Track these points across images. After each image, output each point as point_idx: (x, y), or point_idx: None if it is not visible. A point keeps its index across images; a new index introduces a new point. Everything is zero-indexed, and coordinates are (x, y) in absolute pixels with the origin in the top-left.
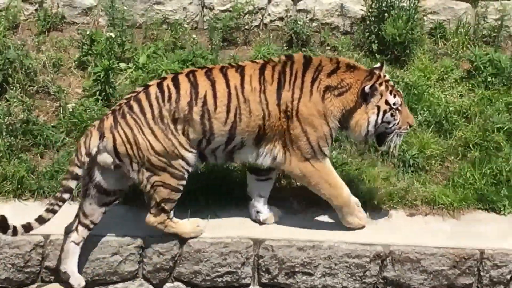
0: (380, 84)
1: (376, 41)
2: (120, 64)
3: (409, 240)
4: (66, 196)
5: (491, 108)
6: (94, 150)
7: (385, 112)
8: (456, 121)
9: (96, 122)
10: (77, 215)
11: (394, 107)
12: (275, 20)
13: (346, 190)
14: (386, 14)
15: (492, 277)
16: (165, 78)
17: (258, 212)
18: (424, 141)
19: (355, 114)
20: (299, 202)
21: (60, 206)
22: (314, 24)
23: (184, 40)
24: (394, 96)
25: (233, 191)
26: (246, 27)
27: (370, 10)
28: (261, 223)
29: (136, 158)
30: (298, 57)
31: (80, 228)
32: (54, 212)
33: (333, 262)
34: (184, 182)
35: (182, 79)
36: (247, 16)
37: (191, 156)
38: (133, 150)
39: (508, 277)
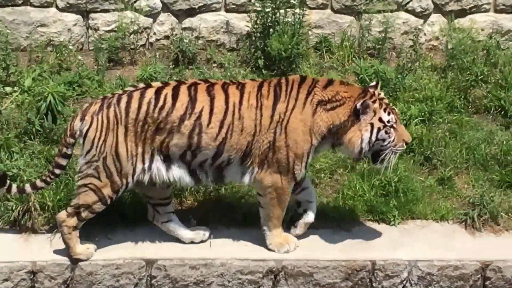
0: (374, 102)
1: (262, 57)
2: (5, 88)
3: (301, 254)
4: (57, 171)
5: None
6: (77, 133)
7: (379, 129)
8: None
9: (85, 105)
10: (147, 202)
11: (389, 124)
12: (161, 39)
13: (283, 215)
14: (271, 30)
15: (384, 287)
16: (167, 85)
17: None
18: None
19: (349, 131)
20: (195, 218)
21: (52, 179)
22: (200, 41)
23: (70, 61)
24: (389, 114)
25: (125, 214)
26: (132, 46)
27: (255, 26)
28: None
29: (95, 150)
30: (295, 76)
31: (159, 208)
32: (47, 183)
33: (226, 279)
34: (114, 198)
35: (183, 91)
36: (132, 35)
37: (139, 169)
38: (99, 142)
39: (400, 286)
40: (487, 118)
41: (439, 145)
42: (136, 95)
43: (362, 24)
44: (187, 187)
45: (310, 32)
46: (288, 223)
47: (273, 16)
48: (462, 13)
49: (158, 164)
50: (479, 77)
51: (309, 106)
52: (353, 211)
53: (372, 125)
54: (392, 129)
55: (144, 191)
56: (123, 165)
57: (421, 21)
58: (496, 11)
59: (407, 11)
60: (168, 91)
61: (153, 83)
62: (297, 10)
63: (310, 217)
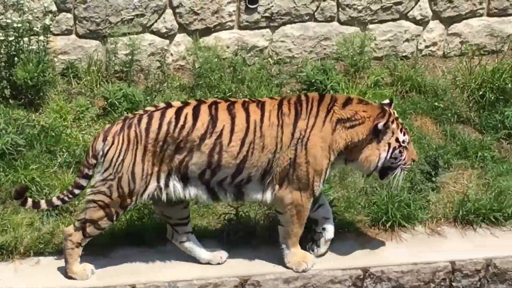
0: (392, 122)
1: (8, 86)
2: None
3: None
4: (76, 191)
5: None
6: (100, 153)
7: (394, 149)
8: None
9: (107, 126)
10: (166, 222)
11: (403, 144)
12: None
13: (301, 233)
14: (16, 58)
15: None
16: (187, 104)
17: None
18: (66, 182)
19: (365, 149)
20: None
21: (70, 198)
22: None
23: None
24: (404, 134)
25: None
26: None
27: (0, 55)
28: (325, 241)
29: (113, 169)
30: (313, 93)
31: (177, 228)
32: (63, 201)
33: None
34: (121, 213)
35: (204, 110)
36: None
37: (152, 188)
38: (117, 161)
39: None
40: None
41: None
42: (157, 115)
43: (108, 48)
44: (205, 204)
45: (56, 59)
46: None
47: (17, 45)
48: (207, 31)
49: (175, 183)
50: (228, 94)
51: (328, 124)
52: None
53: (389, 144)
54: (404, 149)
55: (163, 211)
56: (136, 184)
57: (167, 41)
58: (240, 28)
59: (153, 32)
60: (188, 110)
61: (173, 103)
62: (41, 38)
63: (330, 233)
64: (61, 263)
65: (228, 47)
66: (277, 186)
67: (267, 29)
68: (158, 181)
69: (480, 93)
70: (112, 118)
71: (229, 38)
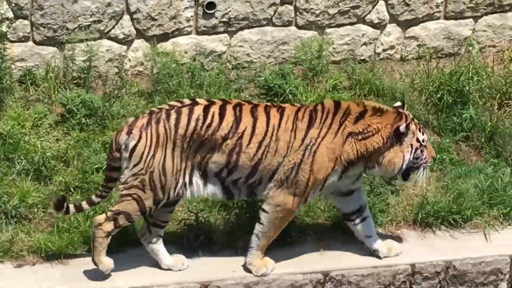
0: (410, 123)
1: None
2: None
3: None
4: (110, 184)
5: (88, 149)
6: (123, 146)
7: (416, 149)
8: (54, 166)
9: (130, 119)
10: (145, 219)
11: (424, 143)
12: None
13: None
14: None
15: None
16: (213, 103)
17: (374, 250)
18: (24, 190)
19: (388, 153)
20: None
21: (107, 193)
22: None
23: None
24: (422, 134)
25: None
26: None
27: None
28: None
29: (143, 164)
30: (329, 100)
31: (152, 228)
32: (102, 197)
33: None
34: (154, 208)
35: (229, 111)
36: None
37: (181, 183)
38: (148, 157)
39: None
40: None
41: None
42: (185, 111)
43: (65, 54)
44: (220, 202)
45: (13, 66)
46: None
47: None
48: (165, 37)
49: (198, 180)
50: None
51: (340, 136)
52: (70, 244)
53: (411, 145)
54: (424, 148)
55: (159, 213)
56: (167, 179)
57: (125, 47)
58: (198, 33)
59: (110, 38)
60: (215, 109)
61: (199, 100)
62: None
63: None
64: (21, 272)
65: (186, 53)
66: (272, 185)
67: (225, 34)
68: (184, 177)
69: (438, 96)
70: (70, 125)
71: (187, 44)
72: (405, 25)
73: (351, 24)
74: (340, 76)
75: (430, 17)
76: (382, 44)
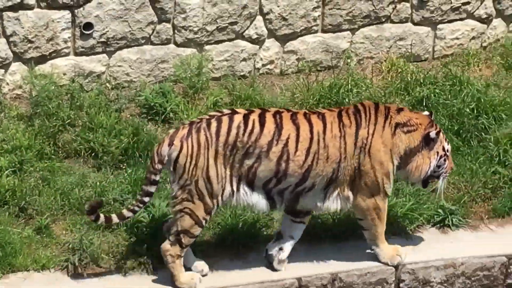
0: (440, 131)
1: None
2: None
3: None
4: (146, 199)
5: None
6: (165, 158)
7: (441, 157)
8: None
9: (171, 131)
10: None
11: (448, 153)
12: None
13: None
14: None
15: None
16: (252, 112)
17: (281, 249)
18: None
19: (416, 157)
20: None
21: (140, 208)
22: None
23: None
24: (448, 143)
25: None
26: None
27: None
28: (279, 261)
29: (188, 174)
30: (367, 101)
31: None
32: (134, 212)
33: None
34: (208, 218)
35: (269, 118)
36: None
37: (227, 192)
38: (191, 166)
39: None
40: (78, 161)
41: (33, 194)
42: (225, 119)
43: None
44: (259, 212)
45: None
46: None
47: None
48: (43, 59)
49: (246, 188)
50: (66, 122)
51: (388, 129)
52: None
53: (437, 153)
54: (447, 157)
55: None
56: (213, 187)
57: (2, 71)
58: (76, 54)
59: None
60: (255, 117)
61: (237, 109)
62: None
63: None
64: None
65: (64, 74)
66: (350, 196)
67: (104, 54)
68: (231, 184)
69: None
70: None
71: (66, 65)
72: (284, 39)
73: (230, 40)
74: (221, 92)
75: (308, 31)
76: (261, 59)
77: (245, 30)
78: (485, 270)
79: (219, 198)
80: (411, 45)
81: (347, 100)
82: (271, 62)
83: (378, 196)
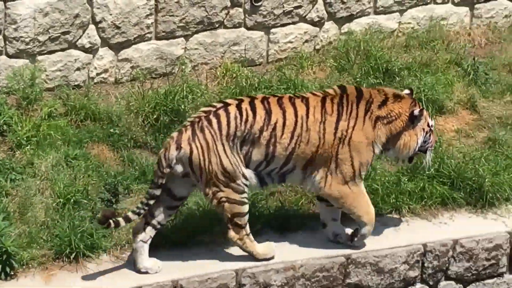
0: (424, 109)
1: None
2: None
3: None
4: (151, 202)
5: None
6: (173, 162)
7: (426, 133)
8: None
9: (174, 134)
10: (144, 216)
11: (432, 128)
12: None
13: (372, 210)
14: None
15: None
16: (242, 101)
17: (336, 234)
18: None
19: (402, 136)
20: None
21: (145, 210)
22: None
23: None
24: (431, 119)
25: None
26: None
27: None
28: (341, 243)
29: (206, 171)
30: (351, 89)
31: (147, 228)
32: (139, 214)
33: None
34: (246, 195)
35: (258, 105)
36: None
37: (248, 172)
38: (205, 164)
39: None
40: None
41: None
42: (222, 113)
43: None
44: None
45: None
46: None
47: None
48: None
49: (249, 173)
50: None
51: (368, 122)
52: None
53: (423, 129)
54: (431, 132)
55: (154, 207)
56: (231, 174)
57: None
58: None
59: None
60: (246, 105)
61: (228, 100)
62: None
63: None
64: None
65: None
66: (322, 181)
67: None
68: (244, 166)
69: (155, 116)
70: None
71: None
72: (118, 47)
73: (63, 50)
74: (55, 103)
75: (141, 39)
76: (95, 68)
77: (78, 40)
78: (325, 271)
79: (242, 179)
80: (245, 50)
81: (182, 106)
82: (106, 71)
83: (352, 181)
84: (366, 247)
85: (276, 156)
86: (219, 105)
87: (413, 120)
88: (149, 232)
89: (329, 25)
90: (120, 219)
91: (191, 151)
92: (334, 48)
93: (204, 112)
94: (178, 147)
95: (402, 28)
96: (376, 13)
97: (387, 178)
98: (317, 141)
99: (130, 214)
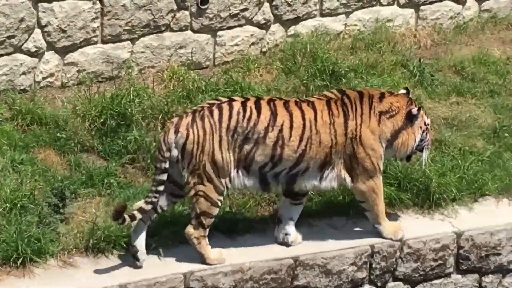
0: (421, 107)
1: None
2: None
3: None
4: (160, 188)
5: None
6: (173, 145)
7: (423, 131)
8: None
9: (175, 119)
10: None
11: (428, 126)
12: None
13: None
14: None
15: None
16: (248, 99)
17: (286, 234)
18: None
19: (401, 134)
20: None
21: (156, 198)
22: None
23: None
24: (427, 118)
25: None
26: None
27: None
28: (288, 245)
29: (195, 160)
30: (349, 91)
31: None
32: (152, 203)
33: None
34: (222, 198)
35: (264, 105)
36: None
37: (234, 175)
38: (197, 152)
39: None
40: None
41: None
42: (225, 106)
43: None
44: (254, 193)
45: None
46: None
47: None
48: None
49: (243, 171)
50: None
51: (374, 118)
52: None
53: (420, 128)
54: (428, 130)
55: (161, 198)
56: (219, 170)
57: None
58: None
59: None
60: (251, 104)
61: (235, 97)
62: None
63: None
64: None
65: None
66: (347, 177)
67: None
68: (234, 168)
69: (101, 120)
70: None
71: None
72: (64, 51)
73: (8, 54)
74: (1, 107)
75: (88, 42)
76: (41, 72)
77: (23, 44)
78: (273, 273)
79: (227, 180)
80: (191, 53)
81: (129, 110)
82: (52, 74)
83: (375, 176)
84: (314, 248)
85: (284, 158)
86: (224, 99)
87: (411, 118)
88: (150, 213)
89: (275, 27)
90: (135, 212)
91: (187, 136)
92: (281, 51)
93: (209, 103)
94: (177, 131)
95: (348, 30)
96: (322, 15)
97: None
98: (329, 143)
99: (143, 205)
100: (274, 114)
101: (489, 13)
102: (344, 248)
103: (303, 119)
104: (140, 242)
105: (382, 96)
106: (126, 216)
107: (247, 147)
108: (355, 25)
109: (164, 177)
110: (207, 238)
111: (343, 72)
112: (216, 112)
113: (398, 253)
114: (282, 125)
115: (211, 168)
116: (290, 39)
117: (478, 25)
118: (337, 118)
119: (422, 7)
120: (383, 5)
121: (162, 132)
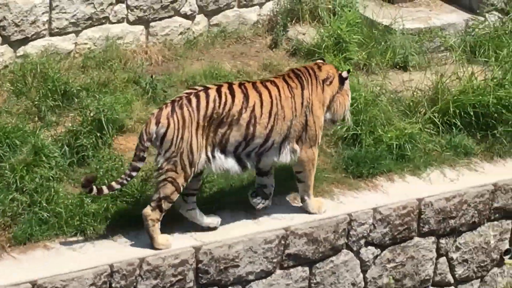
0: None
1: None
2: None
3: None
4: (133, 173)
5: None
6: (154, 136)
7: (349, 94)
8: None
9: (155, 111)
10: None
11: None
12: None
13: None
14: None
15: None
16: (221, 85)
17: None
18: None
19: (337, 97)
20: None
21: (127, 181)
22: None
23: None
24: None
25: None
26: None
27: None
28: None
29: (174, 147)
30: (299, 66)
31: (187, 198)
32: (122, 184)
33: None
34: (185, 185)
35: (236, 89)
36: None
37: (203, 159)
38: (177, 140)
39: None
40: None
41: None
42: (202, 94)
43: None
44: (235, 175)
45: None
46: None
47: None
48: None
49: (219, 154)
50: None
51: (319, 86)
52: None
53: (348, 90)
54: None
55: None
56: (194, 156)
57: None
58: None
59: None
60: (225, 89)
61: (208, 85)
62: None
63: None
64: None
65: None
66: (297, 149)
67: None
68: (206, 153)
69: None
70: None
71: None
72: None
73: None
74: None
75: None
76: None
77: None
78: None
79: (197, 166)
80: None
81: None
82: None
83: (315, 146)
84: (53, 271)
85: (256, 136)
86: (200, 88)
87: (343, 81)
88: (191, 199)
89: (3, 48)
90: (104, 187)
91: (168, 125)
92: (11, 72)
93: (186, 93)
94: (157, 122)
95: (78, 49)
96: (51, 34)
97: (70, 201)
98: (291, 115)
99: (114, 183)
100: (246, 96)
101: (218, 27)
102: (83, 269)
103: (270, 96)
104: (205, 220)
105: (319, 66)
106: (94, 187)
107: (221, 131)
108: (86, 43)
109: (141, 164)
110: (159, 222)
111: (75, 91)
112: (194, 101)
113: (137, 271)
114: (254, 105)
115: (187, 154)
116: (20, 60)
117: (208, 40)
118: (295, 89)
119: (152, 23)
120: (112, 23)
121: (145, 123)
